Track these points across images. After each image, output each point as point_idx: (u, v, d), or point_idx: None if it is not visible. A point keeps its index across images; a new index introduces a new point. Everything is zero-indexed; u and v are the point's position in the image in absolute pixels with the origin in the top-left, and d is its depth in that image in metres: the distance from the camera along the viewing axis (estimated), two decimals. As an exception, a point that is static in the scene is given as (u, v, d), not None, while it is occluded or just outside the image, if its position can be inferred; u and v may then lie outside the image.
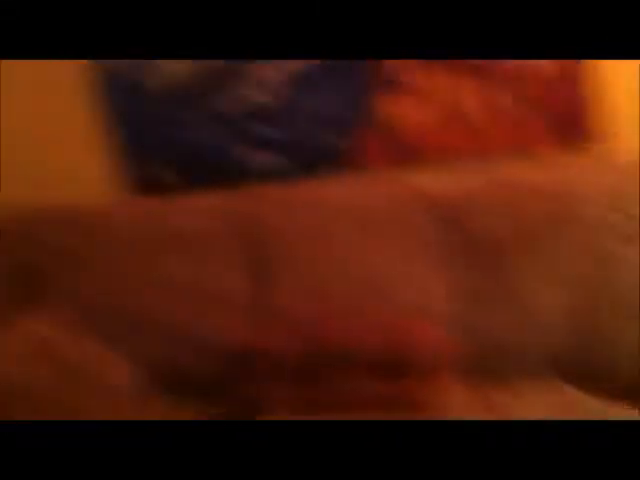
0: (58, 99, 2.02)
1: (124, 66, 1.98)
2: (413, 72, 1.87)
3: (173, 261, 1.81)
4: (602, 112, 1.91)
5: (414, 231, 1.79)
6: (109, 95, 2.00)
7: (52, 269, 1.84)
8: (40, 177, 2.03)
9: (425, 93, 1.89)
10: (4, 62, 1.95)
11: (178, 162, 2.02)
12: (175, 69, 1.97)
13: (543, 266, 1.73)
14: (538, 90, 1.85)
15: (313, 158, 1.98)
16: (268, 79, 1.95)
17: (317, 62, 1.92)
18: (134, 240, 1.85)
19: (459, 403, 1.58)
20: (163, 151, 2.02)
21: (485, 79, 1.85)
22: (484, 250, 1.76)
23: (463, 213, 1.78)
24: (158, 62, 1.97)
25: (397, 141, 1.92)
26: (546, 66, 1.82)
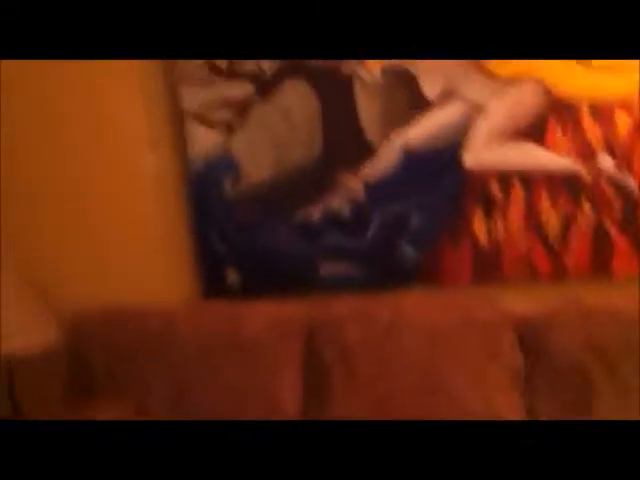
0: (138, 200, 2.02)
1: (206, 168, 1.96)
2: (494, 184, 1.84)
3: (234, 367, 1.80)
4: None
5: (489, 349, 1.74)
6: (189, 197, 1.99)
7: (116, 367, 1.86)
8: (110, 274, 2.04)
9: (504, 206, 1.85)
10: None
11: (249, 267, 1.99)
12: (256, 175, 1.95)
13: (621, 389, 1.66)
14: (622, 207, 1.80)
15: (388, 270, 1.93)
16: (347, 186, 1.91)
17: (396, 168, 1.88)
18: (199, 344, 1.85)
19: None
20: (235, 255, 1.99)
21: (563, 193, 1.80)
22: (561, 371, 1.70)
23: (540, 333, 1.72)
24: (240, 166, 1.96)
25: (476, 257, 1.87)
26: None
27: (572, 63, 1.77)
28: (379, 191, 1.90)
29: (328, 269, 1.95)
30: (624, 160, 1.77)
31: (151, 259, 2.03)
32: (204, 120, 1.94)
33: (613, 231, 1.80)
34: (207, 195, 1.97)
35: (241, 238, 1.98)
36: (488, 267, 1.87)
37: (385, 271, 1.92)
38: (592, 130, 1.77)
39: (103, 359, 1.87)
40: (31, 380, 1.91)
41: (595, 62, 1.76)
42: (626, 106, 1.76)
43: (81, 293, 1.98)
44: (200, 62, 1.90)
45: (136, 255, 2.03)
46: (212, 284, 2.01)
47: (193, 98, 1.93)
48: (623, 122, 1.76)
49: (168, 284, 2.03)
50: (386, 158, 1.88)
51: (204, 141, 1.94)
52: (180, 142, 1.96)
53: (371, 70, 1.85)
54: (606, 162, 1.77)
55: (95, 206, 2.03)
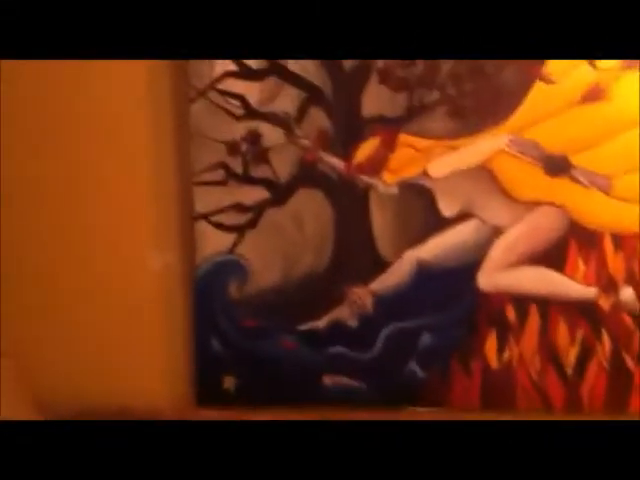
0: (140, 297, 1.98)
1: (213, 270, 1.93)
2: (509, 308, 1.81)
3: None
4: None
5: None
6: (193, 297, 1.94)
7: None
8: (102, 370, 1.98)
9: (518, 332, 1.82)
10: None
11: (248, 374, 1.93)
12: (263, 280, 1.91)
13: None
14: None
15: (393, 387, 1.88)
16: (356, 299, 1.88)
17: (408, 285, 1.86)
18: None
19: None
20: (235, 361, 1.94)
21: (581, 322, 1.78)
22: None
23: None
24: (248, 270, 1.92)
25: (486, 382, 1.82)
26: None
27: (594, 191, 1.76)
28: (389, 306, 1.86)
29: (331, 381, 1.89)
30: (647, 293, 1.75)
31: (146, 358, 1.97)
32: (215, 222, 1.92)
33: (631, 365, 1.75)
34: (212, 297, 1.93)
35: (242, 343, 1.92)
36: (498, 393, 1.82)
37: (390, 388, 1.86)
38: (614, 260, 1.75)
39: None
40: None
41: (618, 190, 1.75)
42: (651, 238, 1.75)
43: (70, 391, 1.92)
44: (216, 164, 1.90)
45: (132, 353, 1.97)
46: (208, 390, 1.94)
47: (206, 200, 1.91)
48: (647, 254, 1.75)
49: (161, 386, 1.96)
50: (398, 273, 1.85)
51: (213, 243, 1.91)
52: (189, 242, 1.93)
53: (388, 183, 1.85)
54: (627, 293, 1.75)
55: (93, 298, 1.98)
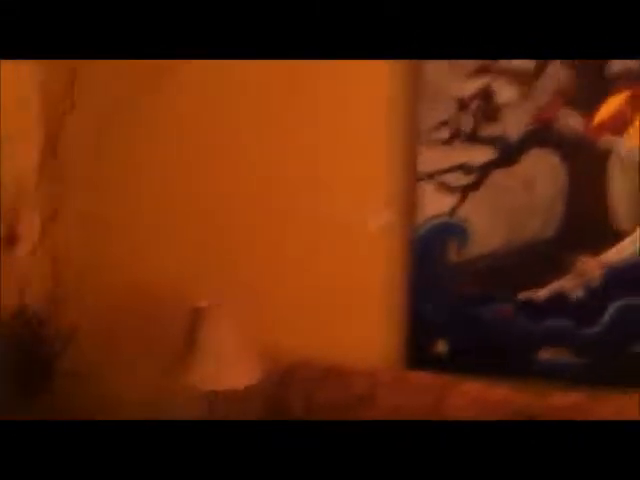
0: (358, 255, 1.97)
1: (433, 232, 1.88)
2: None
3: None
4: None
5: None
6: (411, 259, 1.91)
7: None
8: (319, 327, 1.99)
9: None
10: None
11: (462, 341, 1.87)
12: (484, 245, 1.84)
13: None
14: None
15: (616, 367, 1.74)
16: (583, 270, 1.76)
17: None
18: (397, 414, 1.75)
19: None
20: (449, 326, 1.88)
21: None
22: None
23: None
24: (469, 234, 1.85)
25: None
26: None
27: None
28: (620, 280, 1.72)
29: (548, 355, 1.79)
30: None
31: (361, 317, 1.97)
32: (438, 183, 1.86)
33: None
34: (430, 260, 1.88)
35: (458, 309, 1.86)
36: None
37: (612, 368, 1.73)
38: None
39: (301, 412, 1.82)
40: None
41: None
42: None
43: (287, 343, 1.95)
44: (443, 122, 1.84)
45: (347, 311, 1.97)
46: (420, 353, 1.90)
47: (430, 160, 1.86)
48: None
49: (374, 345, 1.95)
50: (634, 246, 1.70)
51: (435, 204, 1.87)
52: (410, 202, 1.89)
53: (632, 146, 1.69)
54: None
55: (316, 255, 2.00)
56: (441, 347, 1.88)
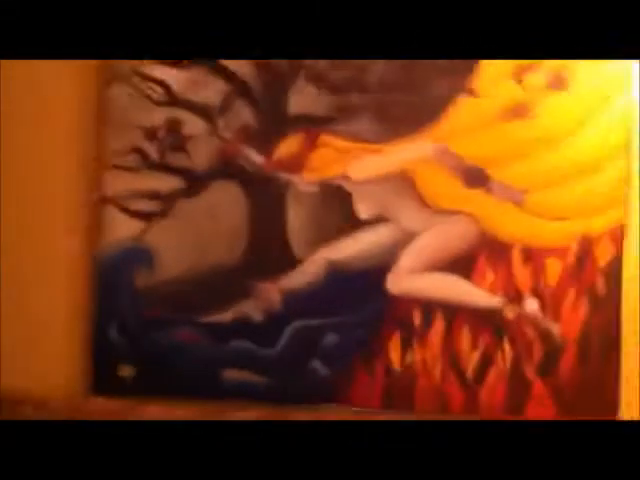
0: (42, 281, 1.91)
1: (119, 257, 1.89)
2: (416, 312, 1.83)
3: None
4: None
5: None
6: (96, 284, 1.90)
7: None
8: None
9: (423, 336, 1.83)
10: None
11: (146, 365, 1.89)
12: (170, 271, 1.88)
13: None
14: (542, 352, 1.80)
15: (295, 384, 1.86)
16: (264, 295, 1.87)
17: (318, 284, 1.86)
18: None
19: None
20: (133, 351, 1.89)
21: (485, 330, 1.81)
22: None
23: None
24: (155, 260, 1.88)
25: (389, 383, 1.83)
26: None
27: (508, 205, 1.81)
28: (296, 304, 1.85)
29: (232, 375, 1.87)
30: (550, 306, 1.80)
31: (43, 346, 1.91)
32: (124, 208, 1.88)
33: (530, 375, 1.80)
34: (115, 284, 1.89)
35: (142, 332, 1.89)
36: (399, 395, 1.83)
37: (292, 385, 1.86)
38: (521, 272, 1.80)
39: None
40: None
41: (531, 205, 1.80)
42: (559, 254, 1.79)
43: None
44: (131, 149, 1.87)
45: (28, 340, 1.91)
46: (104, 379, 1.89)
47: (117, 185, 1.87)
48: (554, 269, 1.79)
49: (57, 374, 1.90)
50: (309, 272, 1.85)
51: (122, 229, 1.88)
52: (95, 226, 1.89)
53: (307, 182, 1.86)
54: (531, 306, 1.80)
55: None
56: (125, 372, 1.89)
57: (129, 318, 1.89)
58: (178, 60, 1.84)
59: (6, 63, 1.84)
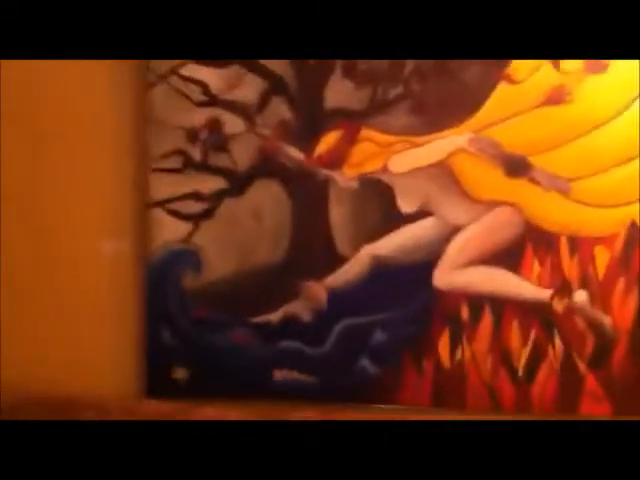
0: (92, 284, 1.94)
1: (167, 259, 1.90)
2: (464, 307, 1.80)
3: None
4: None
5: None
6: (146, 287, 1.91)
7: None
8: (50, 358, 1.93)
9: (471, 331, 1.80)
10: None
11: (199, 366, 1.90)
12: (217, 272, 1.88)
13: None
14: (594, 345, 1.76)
15: (345, 383, 1.85)
16: (310, 293, 1.86)
17: (364, 281, 1.84)
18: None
19: None
20: (186, 353, 1.90)
21: (535, 323, 1.77)
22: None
23: None
24: (202, 261, 1.89)
25: (438, 379, 1.81)
26: None
27: (553, 193, 1.76)
28: (343, 302, 1.84)
29: (283, 375, 1.87)
30: (600, 297, 1.75)
31: (96, 349, 1.93)
32: (171, 210, 1.89)
33: (582, 368, 1.76)
34: (165, 287, 1.90)
35: (194, 334, 1.89)
36: (450, 392, 1.81)
37: (342, 383, 1.85)
38: (569, 262, 1.76)
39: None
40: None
41: (577, 193, 1.75)
42: (607, 242, 1.74)
43: (16, 373, 1.88)
44: (174, 151, 1.87)
45: (81, 343, 1.94)
46: (158, 381, 1.90)
47: (162, 187, 1.88)
48: (602, 258, 1.74)
49: (110, 376, 1.92)
50: (354, 269, 1.83)
51: (168, 231, 1.88)
52: (143, 230, 1.90)
53: (348, 177, 1.84)
54: (581, 297, 1.75)
55: (46, 285, 1.94)
56: (179, 374, 1.91)
57: (179, 320, 1.90)
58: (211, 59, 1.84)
59: (38, 63, 1.86)
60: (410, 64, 1.78)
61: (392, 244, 1.82)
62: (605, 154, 1.73)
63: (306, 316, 1.86)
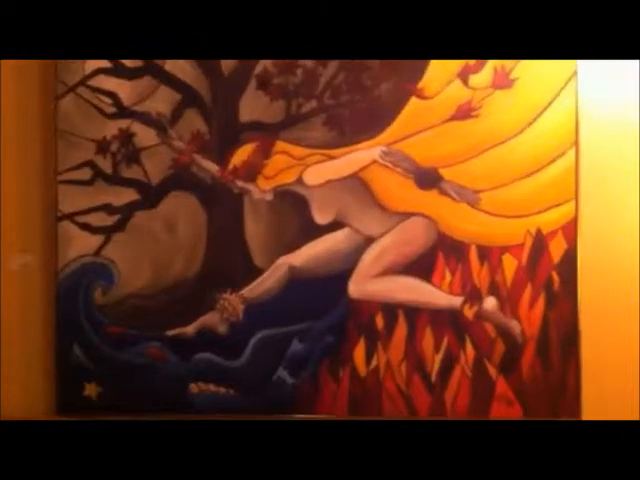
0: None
1: (77, 273, 1.87)
2: (378, 316, 1.82)
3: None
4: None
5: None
6: (56, 303, 1.87)
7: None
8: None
9: (386, 340, 1.83)
10: None
11: (113, 383, 1.87)
12: (131, 286, 1.87)
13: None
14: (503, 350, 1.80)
15: (263, 394, 1.85)
16: (226, 306, 1.85)
17: (280, 292, 1.85)
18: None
19: None
20: (99, 369, 1.87)
21: (447, 331, 1.81)
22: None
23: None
24: (115, 275, 1.87)
25: (355, 388, 1.83)
26: None
27: (462, 204, 1.81)
28: (260, 313, 1.84)
29: (200, 389, 1.86)
30: (509, 303, 1.80)
31: (4, 364, 1.89)
32: (80, 223, 1.86)
33: (493, 373, 1.81)
34: (75, 301, 1.87)
35: (106, 350, 1.87)
36: (366, 400, 1.83)
37: (260, 395, 1.85)
38: (479, 270, 1.81)
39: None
40: None
41: (485, 204, 1.80)
42: (514, 251, 1.80)
43: None
44: (83, 163, 1.85)
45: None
46: (70, 399, 1.87)
47: (71, 199, 1.85)
48: (510, 266, 1.80)
49: (19, 393, 1.89)
50: (270, 280, 1.84)
51: (78, 245, 1.86)
52: (51, 243, 1.86)
53: (263, 189, 1.85)
54: (490, 303, 1.81)
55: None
56: (91, 391, 1.88)
57: (91, 336, 1.87)
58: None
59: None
60: (324, 78, 1.82)
61: (308, 255, 1.84)
62: (511, 167, 1.79)
63: (222, 328, 1.86)
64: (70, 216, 1.85)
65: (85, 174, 1.86)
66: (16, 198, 1.89)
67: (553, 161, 1.78)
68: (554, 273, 1.78)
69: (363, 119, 1.81)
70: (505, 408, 1.79)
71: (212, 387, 1.86)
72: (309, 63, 1.81)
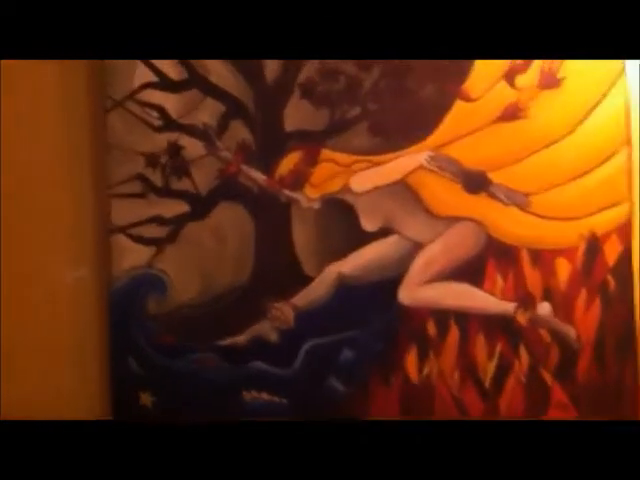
0: (54, 313, 1.92)
1: (130, 285, 1.89)
2: (430, 323, 1.81)
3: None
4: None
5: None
6: (109, 315, 1.90)
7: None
8: (14, 388, 1.91)
9: (438, 346, 1.82)
10: None
11: (167, 392, 1.89)
12: (182, 296, 1.88)
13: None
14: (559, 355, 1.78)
15: (314, 401, 1.85)
16: (277, 314, 1.86)
17: (329, 300, 1.85)
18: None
19: None
20: (153, 379, 1.89)
21: (500, 336, 1.79)
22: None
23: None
24: (166, 285, 1.89)
25: (406, 394, 1.82)
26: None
27: (512, 207, 1.79)
28: (310, 321, 1.84)
29: (252, 397, 1.87)
30: (563, 308, 1.77)
31: (60, 375, 1.92)
32: (133, 235, 1.88)
33: (548, 379, 1.78)
34: (128, 313, 1.89)
35: (160, 360, 1.88)
36: (418, 406, 1.82)
37: (311, 402, 1.85)
38: (531, 275, 1.78)
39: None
40: None
41: (535, 207, 1.77)
42: (567, 254, 1.77)
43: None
44: (134, 176, 1.87)
45: (44, 369, 1.92)
46: (125, 408, 1.88)
47: (123, 212, 1.87)
48: (564, 270, 1.77)
49: (76, 404, 1.91)
50: (319, 288, 1.84)
51: (131, 256, 1.88)
52: (104, 256, 1.89)
53: (310, 198, 1.85)
54: (544, 309, 1.78)
55: (6, 315, 1.92)
56: (146, 400, 1.90)
57: (145, 346, 1.89)
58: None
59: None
60: (367, 84, 1.81)
61: (356, 262, 1.83)
62: (561, 168, 1.76)
63: (273, 337, 1.86)
64: (122, 229, 1.88)
65: (136, 187, 1.88)
66: (69, 213, 1.92)
67: (604, 161, 1.74)
68: (609, 276, 1.75)
69: (408, 124, 1.80)
70: (561, 415, 1.76)
71: (265, 395, 1.86)
72: (352, 69, 1.81)
